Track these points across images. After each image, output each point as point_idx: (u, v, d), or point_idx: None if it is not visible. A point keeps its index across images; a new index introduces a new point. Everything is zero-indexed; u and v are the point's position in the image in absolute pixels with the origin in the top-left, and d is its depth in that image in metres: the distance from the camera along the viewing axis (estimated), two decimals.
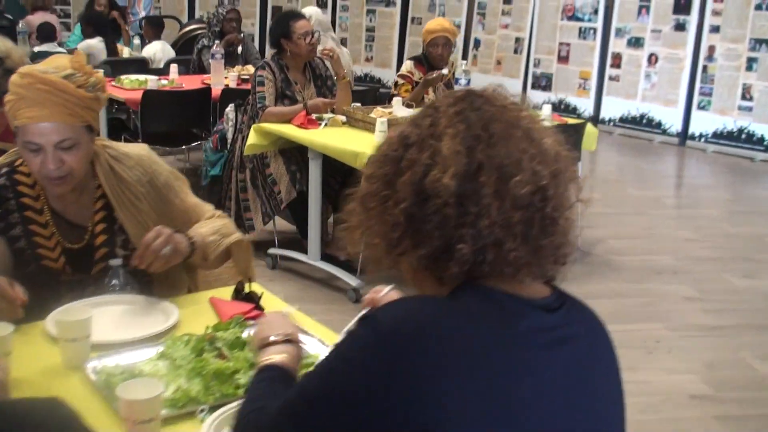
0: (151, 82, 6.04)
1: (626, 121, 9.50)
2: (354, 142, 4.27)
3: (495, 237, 1.15)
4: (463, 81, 4.91)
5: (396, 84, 5.55)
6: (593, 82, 9.83)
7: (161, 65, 7.48)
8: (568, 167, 1.24)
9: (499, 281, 1.18)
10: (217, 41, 6.70)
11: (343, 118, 4.71)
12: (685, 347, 3.89)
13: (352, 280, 4.35)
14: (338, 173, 4.69)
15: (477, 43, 11.36)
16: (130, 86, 6.06)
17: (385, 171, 1.23)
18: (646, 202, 6.62)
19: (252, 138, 4.59)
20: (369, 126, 4.45)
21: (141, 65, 7.46)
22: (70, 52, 7.69)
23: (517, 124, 1.21)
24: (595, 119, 9.77)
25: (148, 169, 2.22)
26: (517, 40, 10.73)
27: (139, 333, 1.90)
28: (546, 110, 5.03)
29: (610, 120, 9.66)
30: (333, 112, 4.82)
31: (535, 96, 10.40)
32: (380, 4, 12.49)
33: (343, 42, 12.79)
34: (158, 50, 7.85)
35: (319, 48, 5.01)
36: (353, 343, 1.16)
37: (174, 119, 5.84)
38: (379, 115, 4.54)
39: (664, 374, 3.63)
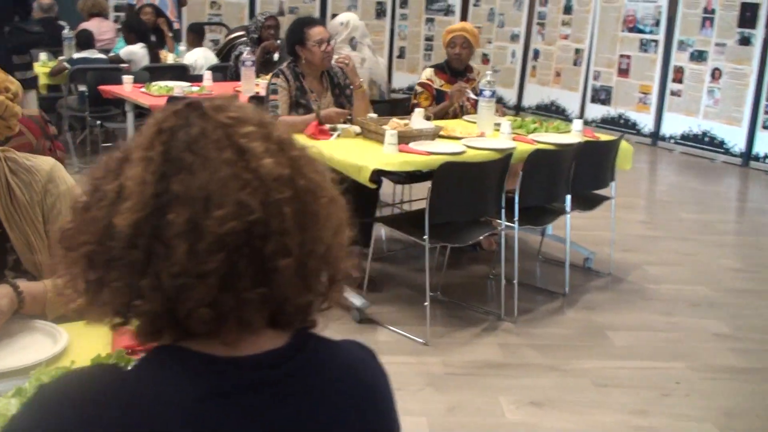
0: (178, 89, 5.92)
1: (687, 138, 9.04)
2: (362, 154, 4.04)
3: (182, 288, 0.91)
4: (487, 93, 4.62)
5: (415, 93, 5.29)
6: (654, 97, 9.39)
7: (203, 72, 7.37)
8: (309, 194, 0.98)
9: (201, 340, 0.95)
10: (248, 48, 6.55)
11: (357, 129, 4.48)
12: (706, 391, 3.52)
13: (357, 300, 4.12)
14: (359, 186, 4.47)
15: (536, 54, 11.02)
16: (158, 93, 5.95)
17: (82, 204, 0.99)
18: (695, 226, 6.20)
19: None
20: (381, 138, 4.21)
21: (181, 72, 7.37)
22: (114, 58, 7.71)
23: (232, 143, 0.95)
24: (655, 136, 9.35)
25: (44, 188, 2.01)
26: (577, 51, 10.36)
27: (10, 363, 1.70)
28: (577, 125, 4.71)
29: (670, 137, 9.21)
30: (349, 122, 4.61)
31: (594, 110, 10.03)
32: (439, 12, 12.26)
33: (402, 51, 12.62)
34: (200, 57, 7.75)
35: (335, 57, 4.79)
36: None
37: None
38: (393, 126, 4.30)
39: (677, 421, 3.27)
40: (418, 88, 5.30)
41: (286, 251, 0.94)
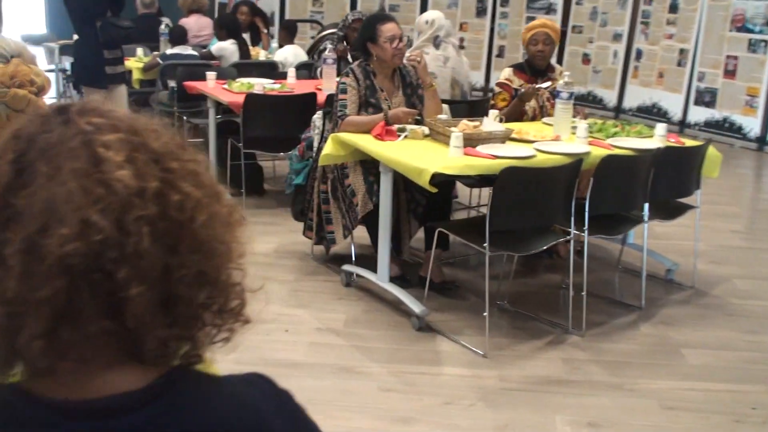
0: (258, 86, 5.92)
1: None
2: (426, 157, 3.91)
3: (12, 316, 0.80)
4: (564, 95, 4.41)
5: (493, 94, 5.13)
6: (762, 100, 8.91)
7: (292, 69, 7.38)
8: (182, 211, 0.86)
9: (45, 379, 0.84)
10: (330, 46, 6.50)
11: (426, 130, 4.36)
12: None
13: (416, 307, 4.00)
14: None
15: (639, 54, 10.63)
16: (239, 90, 5.96)
17: None
18: None
19: (328, 147, 4.33)
20: (448, 140, 4.08)
21: (269, 69, 7.40)
22: (206, 55, 7.81)
23: (88, 152, 0.83)
24: (762, 140, 8.87)
25: None
26: (681, 51, 9.93)
27: None
28: (660, 129, 4.46)
29: None
30: (420, 122, 4.49)
31: (698, 113, 9.59)
32: (540, 11, 11.97)
33: (501, 51, 12.39)
34: (290, 54, 7.76)
35: (407, 53, 4.67)
36: None
37: (277, 124, 5.66)
38: (462, 128, 4.16)
39: None
40: (496, 89, 5.13)
41: (141, 277, 0.82)
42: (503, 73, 5.16)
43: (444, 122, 4.35)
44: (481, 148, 4.01)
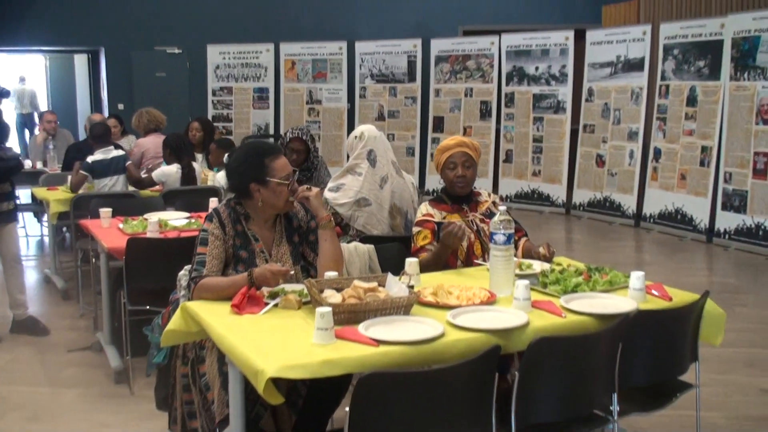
0: (152, 225, 4.80)
1: None
2: (279, 343, 2.70)
3: None
4: (500, 237, 3.20)
5: (412, 237, 3.95)
6: None
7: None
8: None
9: None
10: None
11: (305, 295, 3.16)
12: None
13: None
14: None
15: (657, 153, 9.41)
16: (132, 231, 4.86)
17: None
18: None
19: (175, 321, 3.16)
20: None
21: (212, 194, 6.31)
22: (147, 181, 6.78)
23: None
24: None
25: None
26: (704, 149, 8.69)
27: None
28: (635, 281, 3.18)
29: None
30: (297, 280, 3.32)
31: (727, 219, 8.27)
32: (548, 110, 10.89)
33: (509, 155, 11.27)
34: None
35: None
36: None
37: (170, 273, 4.50)
38: (350, 293, 2.96)
39: None
40: (415, 229, 3.97)
41: None
42: (419, 210, 4.01)
43: (330, 282, 3.15)
44: (370, 325, 2.79)
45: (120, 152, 6.88)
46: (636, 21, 10.59)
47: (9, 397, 4.50)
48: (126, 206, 5.77)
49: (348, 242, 4.23)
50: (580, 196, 10.45)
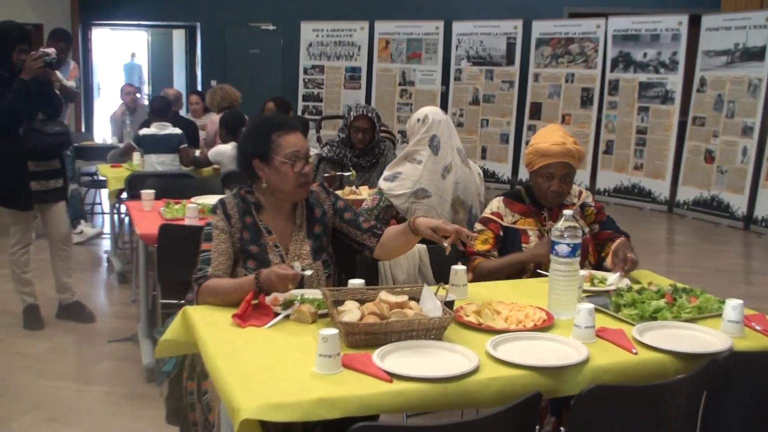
0: (191, 210, 4.37)
1: None
2: (273, 371, 2.21)
3: None
4: (562, 248, 2.59)
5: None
6: None
7: None
8: None
9: None
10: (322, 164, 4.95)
11: (323, 305, 2.65)
12: None
13: None
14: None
15: None
16: (171, 216, 4.46)
17: None
18: None
19: (173, 329, 2.70)
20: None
21: None
22: (203, 160, 6.40)
23: None
24: None
25: None
26: None
27: None
28: (732, 312, 2.55)
29: None
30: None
31: None
32: (655, 100, 10.08)
33: (609, 146, 10.50)
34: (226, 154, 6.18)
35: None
36: None
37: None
38: (368, 311, 2.44)
39: None
40: (477, 226, 3.39)
41: None
42: (490, 205, 3.42)
43: (353, 292, 2.64)
44: (389, 352, 2.27)
45: (176, 131, 6.48)
46: (758, 6, 9.65)
47: (32, 392, 4.17)
48: (182, 187, 5.38)
49: None
50: (685, 193, 9.62)
